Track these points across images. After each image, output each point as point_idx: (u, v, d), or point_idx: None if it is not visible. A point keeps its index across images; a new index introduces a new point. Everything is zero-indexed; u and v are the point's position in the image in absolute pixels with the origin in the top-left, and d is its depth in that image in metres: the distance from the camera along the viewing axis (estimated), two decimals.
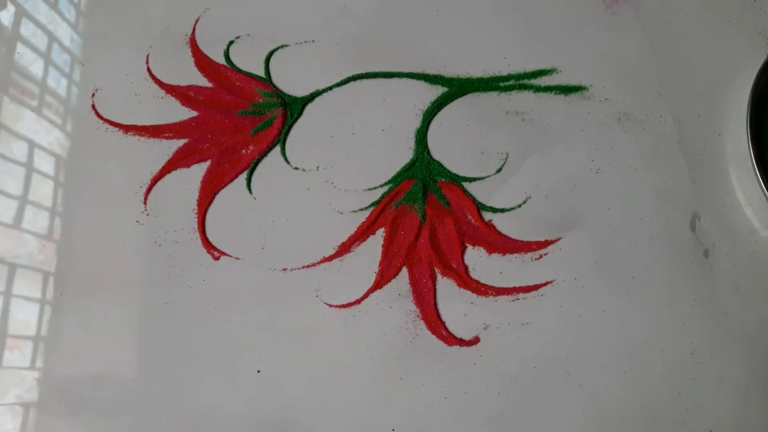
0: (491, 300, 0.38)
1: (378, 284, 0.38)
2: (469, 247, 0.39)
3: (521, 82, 0.43)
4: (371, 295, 0.38)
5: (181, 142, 0.41)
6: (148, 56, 0.44)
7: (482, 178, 0.41)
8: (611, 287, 0.38)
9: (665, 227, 0.39)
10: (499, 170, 0.41)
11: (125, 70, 0.43)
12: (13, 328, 0.38)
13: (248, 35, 0.44)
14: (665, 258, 0.39)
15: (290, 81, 0.43)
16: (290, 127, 0.42)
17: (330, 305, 0.38)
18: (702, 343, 0.37)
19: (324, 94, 0.43)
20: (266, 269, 0.38)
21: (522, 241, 0.39)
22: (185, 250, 0.39)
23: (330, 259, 0.39)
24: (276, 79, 0.43)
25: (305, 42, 0.44)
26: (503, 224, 0.39)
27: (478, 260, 0.39)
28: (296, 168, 0.41)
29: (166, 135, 0.42)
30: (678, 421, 0.36)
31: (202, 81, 0.43)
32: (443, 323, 0.37)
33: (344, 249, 0.39)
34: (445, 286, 0.38)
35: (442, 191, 0.40)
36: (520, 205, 0.40)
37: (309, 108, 0.42)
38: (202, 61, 0.43)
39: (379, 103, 0.42)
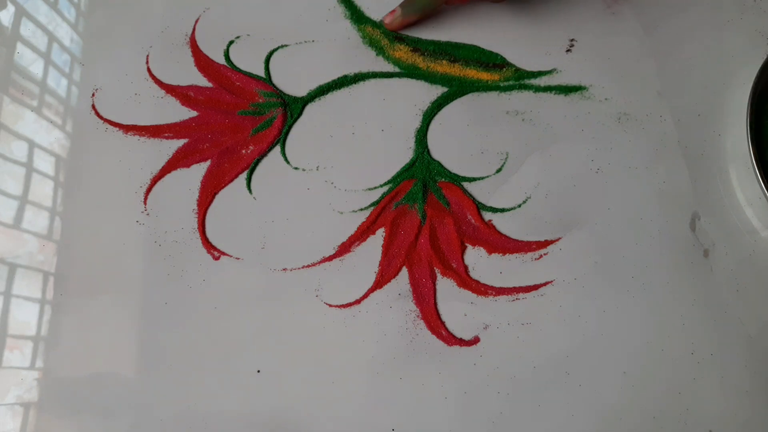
0: (491, 300, 0.38)
1: (378, 284, 0.38)
2: (469, 247, 0.39)
3: (521, 82, 0.43)
4: (371, 295, 0.38)
5: (181, 142, 0.41)
6: (148, 56, 0.44)
7: (482, 178, 0.41)
8: (611, 287, 0.38)
9: (665, 227, 0.39)
10: (499, 170, 0.41)
11: (125, 70, 0.43)
12: (13, 328, 0.38)
13: (248, 35, 0.44)
14: (665, 258, 0.39)
15: (290, 81, 0.43)
16: (290, 127, 0.42)
17: (330, 305, 0.38)
18: (702, 343, 0.37)
19: (324, 94, 0.43)
20: (266, 269, 0.38)
21: (522, 241, 0.39)
22: (185, 250, 0.39)
23: (330, 259, 0.39)
24: (276, 79, 0.43)
25: (305, 42, 0.44)
26: (503, 224, 0.39)
27: (478, 260, 0.39)
28: (296, 168, 0.41)
29: (166, 135, 0.42)
30: (678, 421, 0.36)
31: (202, 81, 0.43)
32: (443, 323, 0.37)
33: (344, 249, 0.39)
34: (445, 286, 0.38)
35: (442, 191, 0.40)
36: (520, 205, 0.40)
37: (309, 108, 0.42)
38: (202, 61, 0.43)
39: (379, 103, 0.42)
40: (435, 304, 0.38)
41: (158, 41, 0.44)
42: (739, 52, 0.43)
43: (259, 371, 0.37)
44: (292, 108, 0.42)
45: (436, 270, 0.38)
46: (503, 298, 0.38)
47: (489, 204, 0.40)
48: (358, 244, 0.39)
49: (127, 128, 0.42)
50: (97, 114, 0.42)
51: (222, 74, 0.43)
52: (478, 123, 0.42)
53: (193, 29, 0.44)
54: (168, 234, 0.39)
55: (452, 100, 0.42)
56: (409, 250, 0.39)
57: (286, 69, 0.43)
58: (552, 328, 0.37)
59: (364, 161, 0.41)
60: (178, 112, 0.42)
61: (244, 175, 0.41)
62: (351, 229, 0.39)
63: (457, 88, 0.43)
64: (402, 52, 0.43)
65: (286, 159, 0.41)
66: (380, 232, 0.39)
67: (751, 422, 0.36)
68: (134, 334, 0.37)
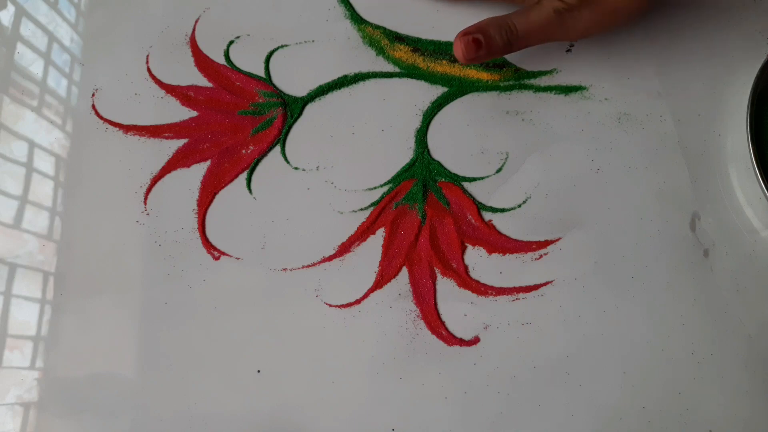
0: (491, 300, 0.38)
1: (378, 284, 0.38)
2: (469, 247, 0.39)
3: (521, 82, 0.43)
4: (371, 295, 0.38)
5: (181, 142, 0.41)
6: (148, 56, 0.44)
7: (482, 178, 0.41)
8: (611, 287, 0.38)
9: (665, 227, 0.39)
10: (499, 170, 0.41)
11: (125, 70, 0.43)
12: (13, 328, 0.38)
13: (248, 35, 0.44)
14: (665, 258, 0.39)
15: (290, 81, 0.43)
16: (290, 127, 0.42)
17: (330, 305, 0.38)
18: (702, 343, 0.37)
19: (324, 94, 0.43)
20: (266, 269, 0.38)
21: (522, 241, 0.39)
22: (185, 250, 0.39)
23: (330, 259, 0.39)
24: (276, 79, 0.43)
25: (305, 42, 0.44)
26: (503, 224, 0.39)
27: (478, 260, 0.39)
28: (296, 168, 0.41)
29: (166, 135, 0.42)
30: (678, 421, 0.36)
31: (202, 81, 0.43)
32: (443, 323, 0.37)
33: (344, 249, 0.39)
34: (445, 286, 0.38)
35: (442, 191, 0.40)
36: (520, 205, 0.40)
37: (309, 108, 0.42)
38: (202, 61, 0.43)
39: (379, 103, 0.42)
40: (435, 304, 0.38)
41: (158, 41, 0.44)
42: (739, 52, 0.43)
43: (259, 371, 0.37)
44: (292, 108, 0.42)
45: (436, 270, 0.38)
46: (503, 298, 0.38)
47: (489, 204, 0.40)
48: (358, 244, 0.39)
49: (127, 128, 0.42)
50: (97, 114, 0.42)
51: (222, 74, 0.43)
52: (478, 123, 0.42)
53: (193, 29, 0.44)
54: (168, 234, 0.39)
55: (452, 100, 0.42)
56: (409, 250, 0.39)
57: (286, 69, 0.43)
58: (552, 328, 0.37)
59: (364, 161, 0.41)
60: (178, 112, 0.42)
61: (244, 175, 0.41)
62: (351, 229, 0.39)
63: (457, 88, 0.43)
64: (402, 52, 0.43)
65: (286, 159, 0.41)
66: (380, 232, 0.39)
67: (751, 422, 0.36)
68: (134, 334, 0.37)
